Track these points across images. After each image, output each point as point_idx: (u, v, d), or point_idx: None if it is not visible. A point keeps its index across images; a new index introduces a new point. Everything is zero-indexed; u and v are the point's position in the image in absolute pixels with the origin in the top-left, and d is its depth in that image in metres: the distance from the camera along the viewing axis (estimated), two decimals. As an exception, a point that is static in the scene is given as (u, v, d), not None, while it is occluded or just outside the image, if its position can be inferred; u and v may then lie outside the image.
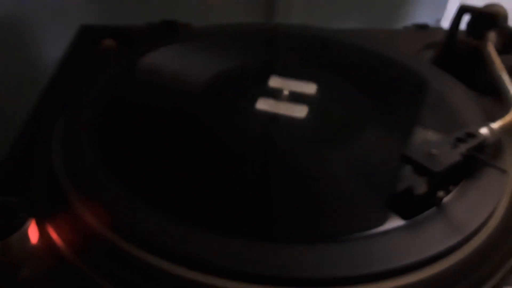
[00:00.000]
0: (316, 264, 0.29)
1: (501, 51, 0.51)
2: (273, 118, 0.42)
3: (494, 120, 0.39)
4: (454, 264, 0.31)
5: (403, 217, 0.33)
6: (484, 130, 0.36)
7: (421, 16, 0.87)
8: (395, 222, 0.32)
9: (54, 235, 0.32)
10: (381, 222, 0.32)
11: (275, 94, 0.45)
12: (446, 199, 0.34)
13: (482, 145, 0.36)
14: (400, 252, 0.30)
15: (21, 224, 0.30)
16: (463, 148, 0.34)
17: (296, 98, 0.44)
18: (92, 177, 0.35)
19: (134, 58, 0.51)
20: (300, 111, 0.43)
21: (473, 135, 0.35)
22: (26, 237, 0.30)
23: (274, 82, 0.47)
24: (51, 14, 0.74)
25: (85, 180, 0.34)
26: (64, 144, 0.38)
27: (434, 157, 0.33)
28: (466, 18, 0.54)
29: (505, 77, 0.45)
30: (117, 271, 0.30)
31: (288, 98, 0.44)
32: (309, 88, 0.46)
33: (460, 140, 0.35)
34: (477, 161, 0.34)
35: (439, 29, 0.68)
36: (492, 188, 0.35)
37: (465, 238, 0.32)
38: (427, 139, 0.39)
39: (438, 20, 0.88)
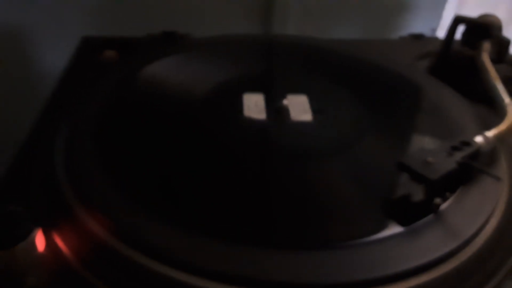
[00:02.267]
0: (314, 271, 0.30)
1: (495, 61, 0.52)
2: (274, 126, 0.43)
3: (489, 128, 0.39)
4: (450, 270, 0.31)
5: (401, 224, 0.33)
6: (479, 139, 0.37)
7: (417, 25, 0.88)
8: (392, 229, 0.33)
9: (60, 244, 0.32)
10: (379, 229, 0.33)
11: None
12: (443, 206, 0.34)
13: (477, 153, 0.36)
14: (397, 258, 0.31)
15: (28, 233, 0.30)
16: (459, 156, 0.35)
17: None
18: (96, 186, 0.35)
19: (134, 68, 0.52)
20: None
21: (468, 143, 0.36)
22: (33, 246, 0.30)
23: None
24: (54, 26, 0.74)
25: (90, 189, 0.35)
26: (68, 153, 0.38)
27: (430, 165, 0.33)
28: (461, 28, 0.56)
29: (499, 86, 0.46)
30: (123, 279, 0.30)
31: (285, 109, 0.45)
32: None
33: (455, 149, 0.35)
34: (472, 169, 0.35)
35: (435, 38, 0.69)
36: (488, 195, 0.36)
37: (462, 245, 0.32)
38: (423, 147, 0.40)
39: (434, 30, 0.89)
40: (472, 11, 0.58)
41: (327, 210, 0.35)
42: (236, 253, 0.30)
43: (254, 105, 0.45)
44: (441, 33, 0.82)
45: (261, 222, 0.34)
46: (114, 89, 0.48)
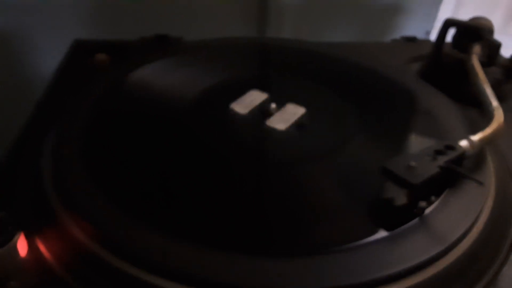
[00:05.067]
0: (298, 276, 0.30)
1: (485, 64, 0.52)
2: (263, 131, 0.43)
3: (477, 132, 0.39)
4: (435, 275, 0.31)
5: (385, 228, 0.33)
6: (463, 143, 0.37)
7: (411, 28, 0.88)
8: (377, 234, 0.33)
9: (42, 248, 0.32)
10: (364, 233, 0.33)
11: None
12: (428, 210, 0.34)
13: (462, 158, 0.36)
14: (381, 263, 0.31)
15: (10, 238, 0.30)
16: (442, 160, 0.34)
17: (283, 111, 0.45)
18: (81, 191, 0.35)
19: (126, 72, 0.52)
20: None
21: (452, 147, 0.36)
22: (15, 250, 0.30)
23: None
24: (46, 29, 0.74)
25: (74, 194, 0.35)
26: (54, 158, 0.39)
27: (413, 170, 0.33)
28: (452, 32, 0.56)
29: (487, 89, 0.46)
30: (105, 285, 0.30)
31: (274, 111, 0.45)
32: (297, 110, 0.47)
33: (439, 153, 0.35)
34: (455, 173, 0.35)
35: (427, 41, 0.69)
36: (474, 199, 0.36)
37: (446, 249, 0.32)
38: (409, 151, 0.40)
39: (428, 32, 0.89)
40: (469, 14, 0.58)
41: (310, 216, 0.35)
42: (223, 260, 0.30)
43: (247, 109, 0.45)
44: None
45: (247, 229, 0.34)
46: (104, 94, 0.48)
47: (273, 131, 0.43)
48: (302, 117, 0.45)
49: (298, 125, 0.44)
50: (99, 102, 0.46)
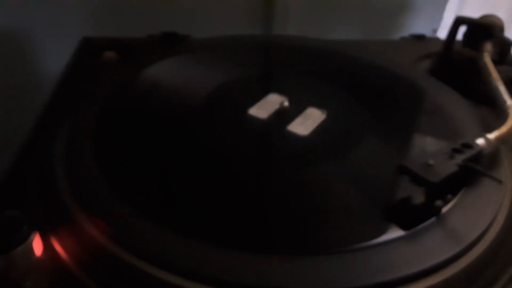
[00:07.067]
0: (315, 276, 0.30)
1: (497, 62, 0.51)
2: (272, 130, 0.43)
3: (490, 130, 0.39)
4: (453, 275, 0.31)
5: (402, 227, 0.33)
6: (480, 141, 0.37)
7: (418, 26, 0.88)
8: (394, 233, 0.32)
9: (58, 248, 0.32)
10: (381, 232, 0.32)
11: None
12: (445, 209, 0.34)
13: (479, 156, 0.36)
14: (399, 263, 0.30)
15: (26, 237, 0.30)
16: (460, 158, 0.34)
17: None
18: (95, 190, 0.35)
19: (134, 70, 0.51)
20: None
21: (469, 146, 0.36)
22: (30, 250, 0.30)
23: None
24: (54, 26, 0.74)
25: (88, 193, 0.35)
26: (67, 157, 0.38)
27: (431, 168, 0.33)
28: (463, 29, 0.55)
29: (501, 87, 0.45)
30: (121, 283, 0.30)
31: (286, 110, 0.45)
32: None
33: (456, 151, 0.35)
34: (473, 171, 0.35)
35: (436, 39, 0.69)
36: (491, 198, 0.36)
37: (465, 249, 0.32)
38: (424, 149, 0.39)
39: (435, 30, 0.89)
40: (473, 12, 0.58)
41: (328, 214, 0.35)
42: (235, 259, 0.30)
43: (261, 108, 0.45)
44: (443, 33, 0.82)
45: (261, 228, 0.34)
46: (114, 92, 0.47)
47: (295, 135, 0.43)
48: (322, 120, 0.44)
49: (317, 127, 0.44)
50: (110, 99, 0.46)
